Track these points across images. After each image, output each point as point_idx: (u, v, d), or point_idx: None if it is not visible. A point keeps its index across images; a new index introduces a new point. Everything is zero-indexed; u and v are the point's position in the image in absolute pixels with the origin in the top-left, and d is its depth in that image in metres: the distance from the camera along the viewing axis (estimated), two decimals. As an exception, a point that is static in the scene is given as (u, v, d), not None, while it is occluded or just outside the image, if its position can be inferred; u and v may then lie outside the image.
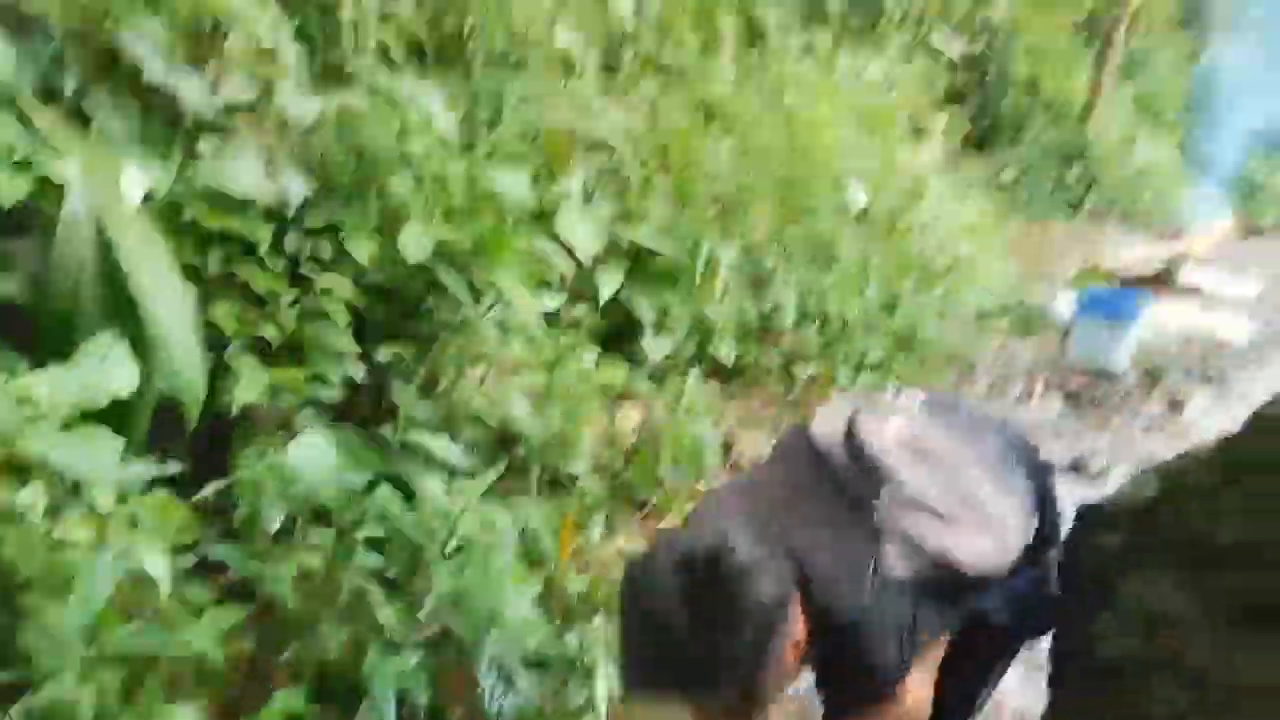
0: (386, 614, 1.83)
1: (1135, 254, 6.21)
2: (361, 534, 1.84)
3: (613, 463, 3.11)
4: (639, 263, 3.68)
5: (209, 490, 1.71)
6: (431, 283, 2.25)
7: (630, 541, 2.87)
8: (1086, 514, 1.88)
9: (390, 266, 2.22)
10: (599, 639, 2.45)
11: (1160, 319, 5.32)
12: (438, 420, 2.32)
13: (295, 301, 2.11)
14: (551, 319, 2.97)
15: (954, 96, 8.24)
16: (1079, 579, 1.82)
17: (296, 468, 1.68)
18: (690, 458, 3.30)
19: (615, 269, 3.57)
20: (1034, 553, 1.63)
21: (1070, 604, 1.82)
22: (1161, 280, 6.07)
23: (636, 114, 4.08)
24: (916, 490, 1.43)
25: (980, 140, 8.23)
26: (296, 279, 2.15)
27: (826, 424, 1.52)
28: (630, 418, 3.34)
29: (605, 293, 3.48)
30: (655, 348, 3.57)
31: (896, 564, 1.37)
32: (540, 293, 2.76)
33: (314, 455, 1.72)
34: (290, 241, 2.15)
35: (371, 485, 1.89)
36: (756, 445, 3.66)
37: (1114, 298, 5.04)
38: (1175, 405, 4.74)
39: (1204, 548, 1.57)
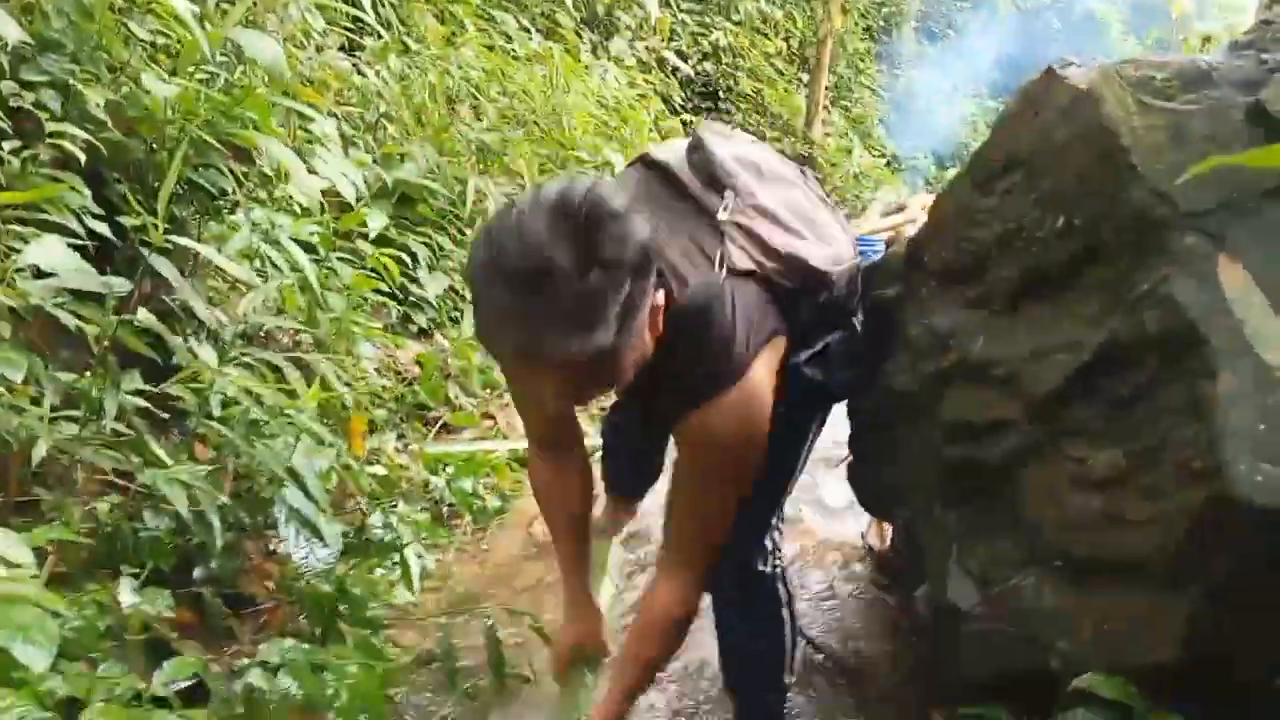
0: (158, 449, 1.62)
1: (870, 224, 6.83)
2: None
3: (395, 388, 2.97)
4: (407, 204, 3.59)
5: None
6: (185, 146, 2.05)
7: (423, 451, 2.74)
8: (868, 275, 2.01)
9: (129, 122, 2.02)
10: (405, 521, 2.32)
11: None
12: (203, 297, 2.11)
13: (20, 150, 1.86)
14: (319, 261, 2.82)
15: (692, 110, 8.80)
16: (870, 329, 1.93)
17: (40, 264, 1.47)
18: (481, 381, 3.22)
19: (381, 208, 3.46)
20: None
21: (867, 358, 1.93)
22: (894, 239, 6.73)
23: (387, 81, 4.02)
24: (760, 199, 1.49)
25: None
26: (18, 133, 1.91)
27: (665, 152, 1.55)
28: (410, 348, 3.21)
29: (374, 228, 3.35)
30: (431, 284, 3.48)
31: (741, 258, 1.40)
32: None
33: (58, 256, 1.50)
34: (7, 89, 1.90)
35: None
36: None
37: (861, 244, 5.55)
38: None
39: (969, 258, 1.72)
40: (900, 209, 7.13)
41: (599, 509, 2.66)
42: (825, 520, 2.80)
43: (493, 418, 3.22)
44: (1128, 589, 1.28)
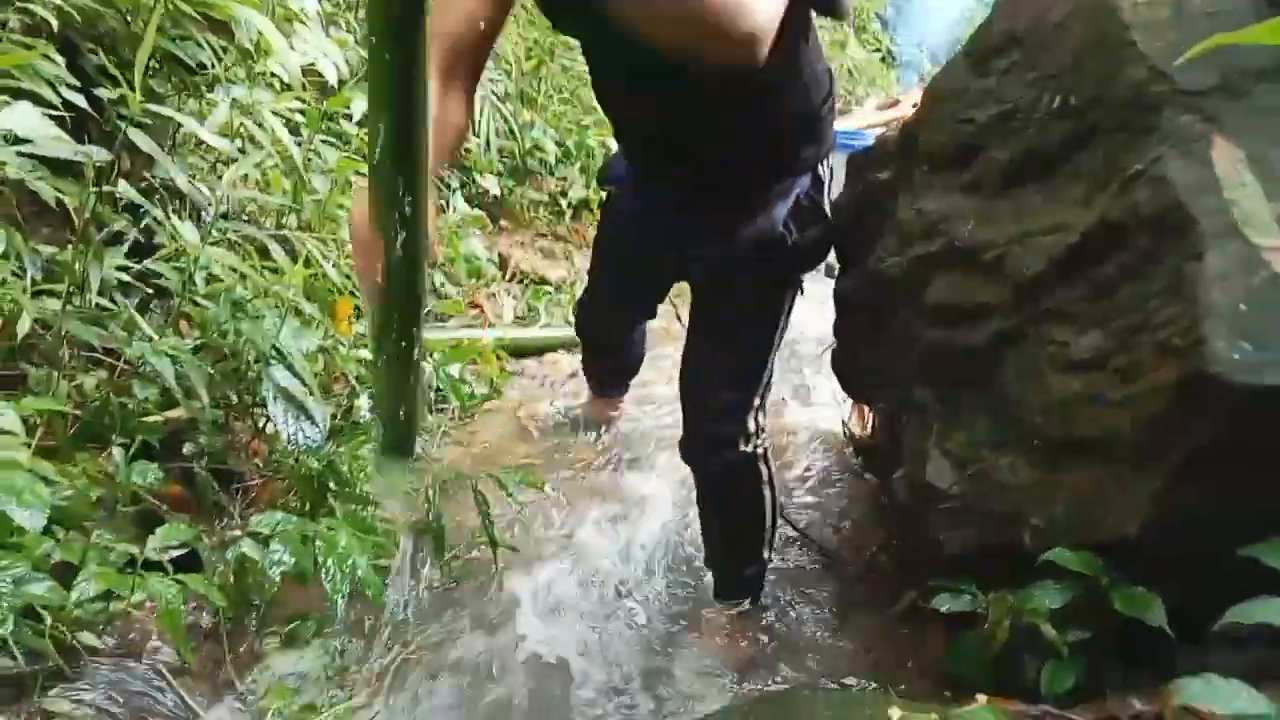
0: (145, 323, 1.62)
1: (866, 118, 6.71)
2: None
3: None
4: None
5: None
6: (163, 20, 1.98)
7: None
8: (861, 161, 1.99)
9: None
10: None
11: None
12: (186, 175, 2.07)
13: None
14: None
15: None
16: (860, 214, 1.92)
17: (14, 130, 1.43)
18: (467, 270, 3.20)
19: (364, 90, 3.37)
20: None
21: (852, 239, 1.92)
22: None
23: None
24: None
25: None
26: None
27: None
28: (398, 234, 3.18)
29: (358, 110, 3.27)
30: (416, 170, 3.41)
31: None
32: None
33: (32, 122, 1.47)
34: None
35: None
36: (533, 264, 3.61)
37: (845, 135, 5.47)
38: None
39: (962, 140, 1.69)
40: (894, 104, 7.03)
41: (583, 401, 2.70)
42: (808, 410, 2.84)
43: (479, 306, 3.21)
44: (1098, 466, 1.31)
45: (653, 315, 2.35)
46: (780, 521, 1.93)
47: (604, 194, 2.11)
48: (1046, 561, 1.31)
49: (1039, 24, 1.57)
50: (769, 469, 1.80)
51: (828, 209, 1.74)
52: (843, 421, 2.61)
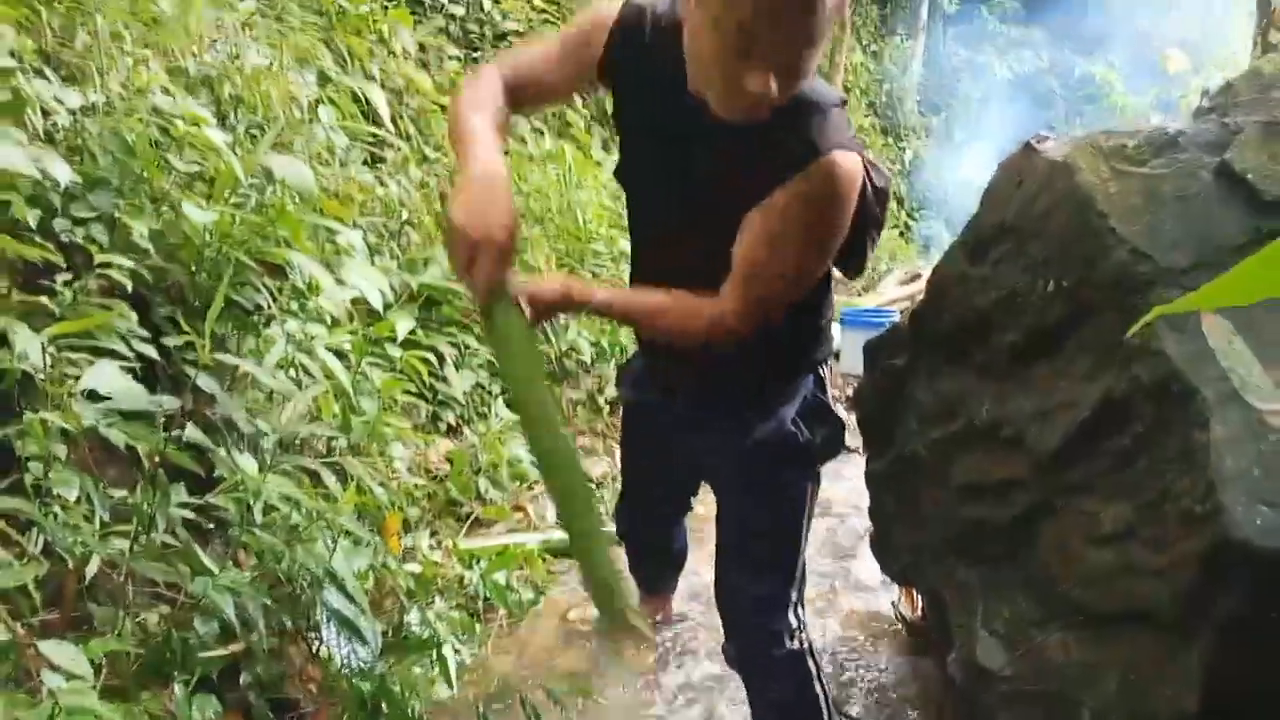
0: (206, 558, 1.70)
1: (889, 293, 6.92)
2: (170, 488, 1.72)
3: (426, 486, 3.04)
4: (432, 306, 3.73)
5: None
6: (223, 267, 2.19)
7: (456, 547, 2.80)
8: (876, 347, 2.08)
9: (170, 248, 2.16)
10: (442, 618, 2.37)
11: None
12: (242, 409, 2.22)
13: (71, 282, 1.99)
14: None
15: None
16: (881, 397, 1.99)
17: (95, 389, 1.57)
18: (510, 473, 3.30)
19: (408, 312, 3.59)
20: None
21: (875, 422, 1.98)
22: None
23: (408, 189, 4.22)
24: None
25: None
26: (69, 267, 2.05)
27: None
28: (440, 445, 3.29)
29: (402, 332, 3.48)
30: (458, 381, 3.58)
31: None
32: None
33: (111, 380, 1.61)
34: (60, 226, 2.05)
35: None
36: (573, 464, 3.69)
37: (870, 313, 5.58)
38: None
39: (969, 324, 1.79)
40: (916, 277, 7.24)
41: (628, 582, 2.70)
42: (858, 595, 2.81)
43: (523, 509, 3.27)
44: (1143, 638, 1.30)
45: (688, 509, 2.38)
46: (838, 716, 1.89)
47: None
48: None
49: (1025, 214, 1.69)
50: (816, 664, 1.79)
51: (831, 404, 1.77)
52: (893, 604, 2.57)
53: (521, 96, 1.46)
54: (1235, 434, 1.23)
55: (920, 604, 2.41)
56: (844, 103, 1.40)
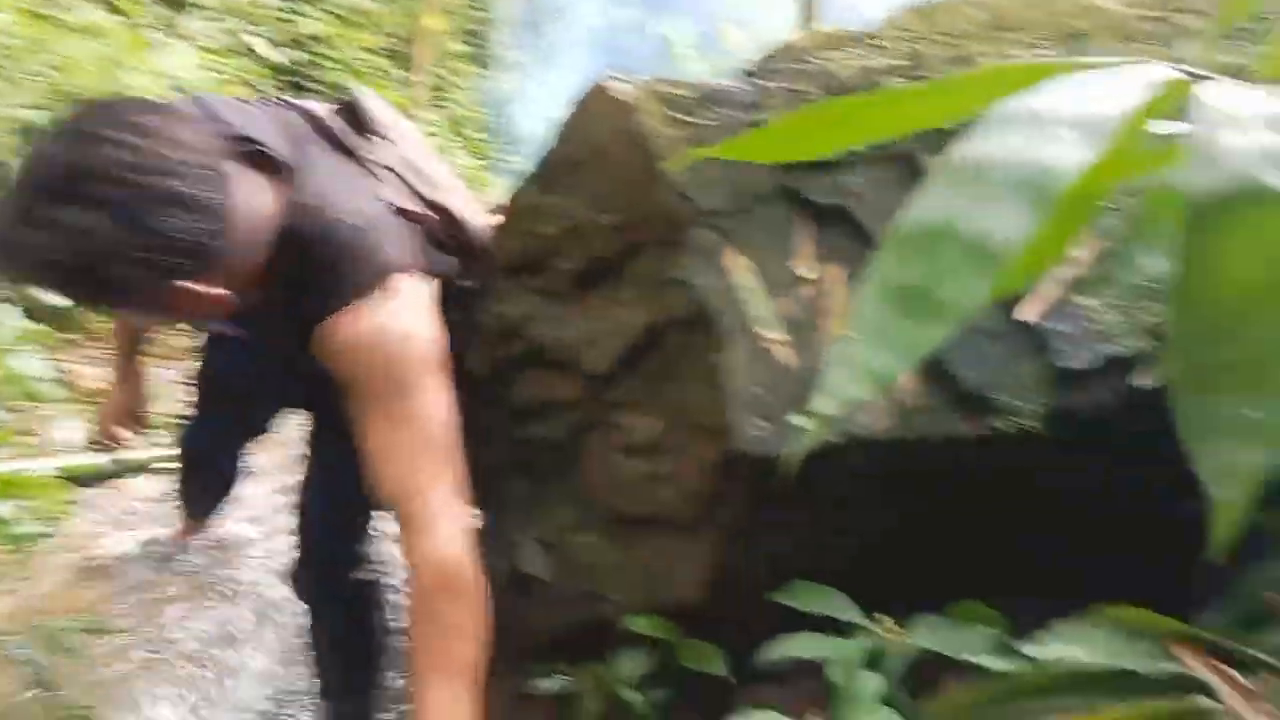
0: None
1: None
2: None
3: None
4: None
5: None
6: None
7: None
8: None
9: None
10: None
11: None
12: None
13: None
14: None
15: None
16: (448, 319, 2.00)
17: None
18: (22, 392, 2.82)
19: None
20: None
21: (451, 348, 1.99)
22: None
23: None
24: (405, 153, 1.57)
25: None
26: None
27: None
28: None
29: None
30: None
31: (392, 195, 1.40)
32: None
33: None
34: None
35: None
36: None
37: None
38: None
39: (535, 251, 1.85)
40: (501, 210, 7.38)
41: (168, 531, 2.46)
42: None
43: (34, 433, 2.82)
44: (663, 538, 1.47)
45: (260, 435, 2.24)
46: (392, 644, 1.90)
47: None
48: (626, 630, 1.43)
49: (590, 150, 1.78)
50: (381, 595, 1.78)
51: None
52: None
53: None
54: (745, 359, 1.42)
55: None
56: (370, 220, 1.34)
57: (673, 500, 1.44)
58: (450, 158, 10.07)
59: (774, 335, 1.44)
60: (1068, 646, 0.92)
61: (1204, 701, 0.78)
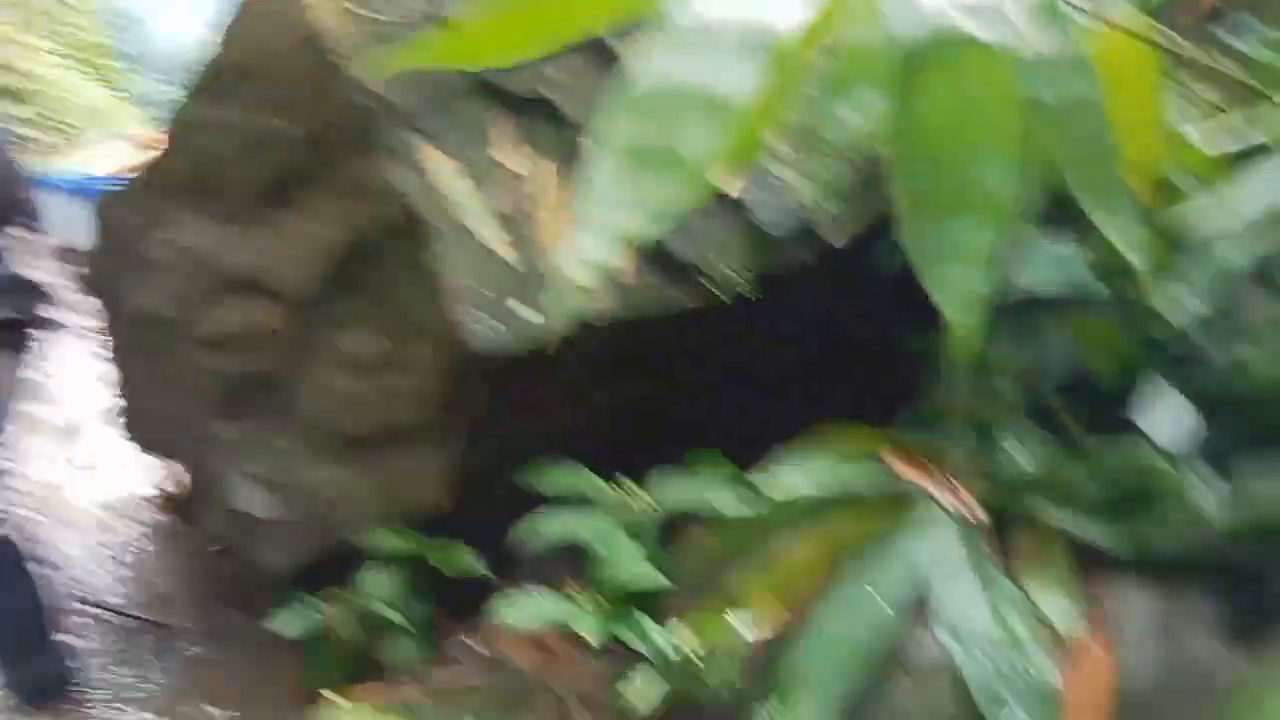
0: None
1: (117, 160, 6.15)
2: None
3: None
4: None
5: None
6: None
7: None
8: (107, 207, 1.84)
9: None
10: None
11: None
12: None
13: None
14: None
15: None
16: (115, 259, 1.78)
17: None
18: None
19: None
20: None
21: (110, 286, 1.78)
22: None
23: None
24: None
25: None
26: None
27: None
28: None
29: None
30: None
31: None
32: None
33: None
34: None
35: None
36: None
37: (91, 182, 4.97)
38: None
39: (210, 172, 1.68)
40: (152, 142, 6.54)
41: None
42: (105, 481, 2.54)
43: None
44: (397, 451, 1.43)
45: None
46: (91, 606, 1.71)
47: None
48: (372, 549, 1.39)
49: (264, 56, 1.62)
50: (16, 551, 1.60)
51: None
52: (156, 485, 2.40)
53: None
54: (461, 255, 1.38)
55: (182, 473, 2.29)
56: None
57: (405, 411, 1.40)
58: (76, 94, 8.75)
59: (489, 231, 1.42)
60: (794, 476, 1.02)
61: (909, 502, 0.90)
